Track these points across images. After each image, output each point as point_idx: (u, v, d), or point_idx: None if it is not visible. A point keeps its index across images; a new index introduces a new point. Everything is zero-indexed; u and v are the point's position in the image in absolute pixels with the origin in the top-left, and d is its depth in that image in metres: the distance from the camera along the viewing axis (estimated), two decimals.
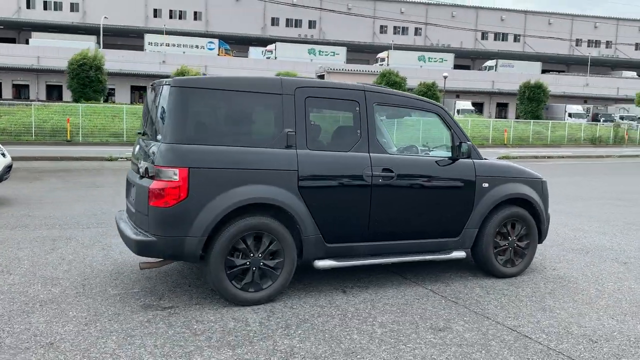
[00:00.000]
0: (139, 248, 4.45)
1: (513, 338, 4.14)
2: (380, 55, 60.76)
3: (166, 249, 4.43)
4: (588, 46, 75.18)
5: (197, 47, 56.12)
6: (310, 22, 70.34)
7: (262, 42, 64.16)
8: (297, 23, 70.25)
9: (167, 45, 54.87)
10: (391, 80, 34.68)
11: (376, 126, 5.16)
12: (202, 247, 4.43)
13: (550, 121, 40.30)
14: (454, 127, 5.47)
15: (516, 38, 73.95)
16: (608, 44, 75.97)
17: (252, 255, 4.60)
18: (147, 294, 4.84)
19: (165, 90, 4.62)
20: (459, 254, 5.47)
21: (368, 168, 4.97)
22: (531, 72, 59.28)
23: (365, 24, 70.33)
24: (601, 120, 48.43)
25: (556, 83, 55.99)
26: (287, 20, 69.93)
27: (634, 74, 69.20)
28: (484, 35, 73.77)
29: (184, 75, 28.78)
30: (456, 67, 61.24)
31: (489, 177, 5.54)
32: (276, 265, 4.69)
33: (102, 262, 5.82)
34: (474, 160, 5.51)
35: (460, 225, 5.45)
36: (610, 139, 40.30)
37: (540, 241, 5.94)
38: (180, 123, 4.46)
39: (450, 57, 60.88)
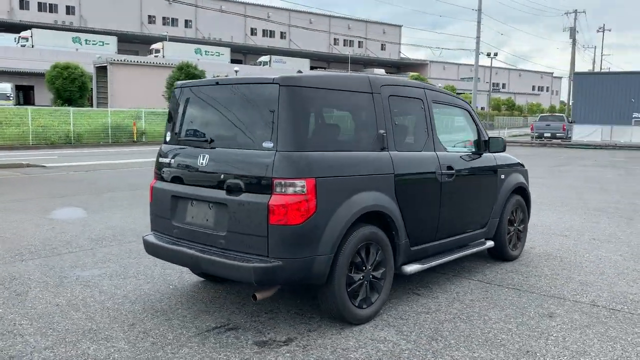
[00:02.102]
0: (261, 276, 3.71)
1: (608, 312, 4.59)
2: (155, 46, 58.12)
3: (295, 273, 3.79)
4: (344, 45, 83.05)
5: None
6: (68, 7, 63.54)
7: (11, 27, 55.89)
8: (53, 8, 62.83)
9: None
10: (190, 73, 33.40)
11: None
12: (330, 265, 3.91)
13: None
14: (479, 123, 5.73)
15: (282, 35, 77.81)
16: (360, 43, 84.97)
17: (364, 268, 4.22)
18: (232, 330, 4.06)
19: (268, 90, 3.90)
20: (490, 242, 5.79)
21: (438, 167, 4.93)
22: (302, 68, 63.16)
23: (131, 12, 66.41)
24: None
25: None
26: (40, 4, 62.09)
27: (382, 71, 78.91)
28: (253, 31, 75.93)
29: None
30: (232, 61, 61.85)
31: (503, 168, 5.95)
32: (381, 276, 4.38)
33: (114, 301, 4.64)
34: (493, 153, 5.85)
35: (488, 216, 5.75)
36: None
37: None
38: (297, 128, 3.84)
39: (226, 52, 61.33)
